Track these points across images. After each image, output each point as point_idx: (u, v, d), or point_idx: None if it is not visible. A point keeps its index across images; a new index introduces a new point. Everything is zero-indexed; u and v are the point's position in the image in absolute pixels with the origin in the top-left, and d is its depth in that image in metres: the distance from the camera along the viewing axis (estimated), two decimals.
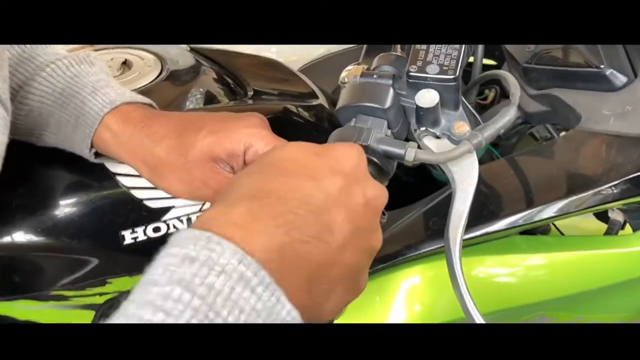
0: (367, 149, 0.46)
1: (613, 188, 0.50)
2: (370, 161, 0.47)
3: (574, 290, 0.57)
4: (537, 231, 0.67)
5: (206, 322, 0.25)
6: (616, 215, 0.63)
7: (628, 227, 0.64)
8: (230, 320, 0.26)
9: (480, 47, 0.64)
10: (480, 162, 0.65)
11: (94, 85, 0.51)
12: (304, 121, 0.66)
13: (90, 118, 0.50)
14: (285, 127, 0.66)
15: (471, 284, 0.48)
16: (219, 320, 0.25)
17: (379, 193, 0.36)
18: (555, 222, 0.71)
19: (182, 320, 0.25)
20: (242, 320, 0.26)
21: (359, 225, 0.34)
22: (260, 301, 0.27)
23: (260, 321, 0.27)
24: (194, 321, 0.25)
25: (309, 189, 0.32)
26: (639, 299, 0.64)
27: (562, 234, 0.69)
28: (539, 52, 0.64)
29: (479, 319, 0.44)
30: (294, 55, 1.03)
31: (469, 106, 0.59)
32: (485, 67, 0.82)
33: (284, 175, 0.33)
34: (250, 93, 0.68)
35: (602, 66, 0.57)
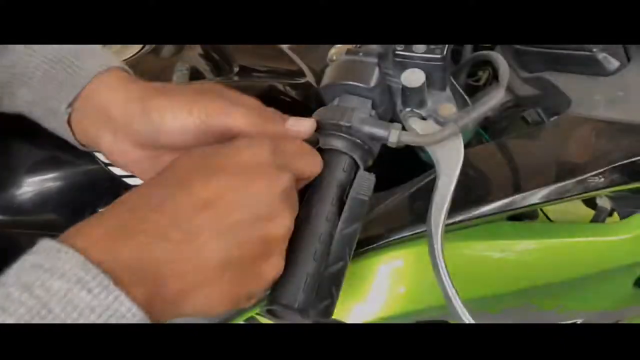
0: (350, 129, 0.45)
1: (600, 176, 0.49)
2: (353, 142, 0.45)
3: (560, 277, 0.57)
4: (524, 216, 0.66)
5: (37, 318, 0.29)
6: (604, 203, 0.62)
7: (616, 216, 0.63)
8: (63, 316, 0.30)
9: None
10: (469, 145, 0.64)
11: (92, 47, 0.49)
12: (291, 100, 0.65)
13: (85, 71, 0.47)
14: (272, 106, 0.65)
15: (455, 269, 0.47)
16: (50, 317, 0.29)
17: (274, 181, 0.38)
18: (544, 208, 0.71)
19: (16, 316, 0.29)
20: (75, 315, 0.30)
21: (239, 220, 0.36)
22: (96, 299, 0.30)
23: (94, 316, 0.30)
24: (26, 317, 0.29)
25: (180, 197, 0.36)
26: (622, 288, 0.64)
27: (549, 219, 0.68)
28: None
29: (459, 305, 0.43)
30: None
31: (458, 87, 0.58)
32: (478, 47, 0.81)
33: (163, 186, 0.37)
34: (236, 69, 0.67)
35: (594, 49, 0.55)
